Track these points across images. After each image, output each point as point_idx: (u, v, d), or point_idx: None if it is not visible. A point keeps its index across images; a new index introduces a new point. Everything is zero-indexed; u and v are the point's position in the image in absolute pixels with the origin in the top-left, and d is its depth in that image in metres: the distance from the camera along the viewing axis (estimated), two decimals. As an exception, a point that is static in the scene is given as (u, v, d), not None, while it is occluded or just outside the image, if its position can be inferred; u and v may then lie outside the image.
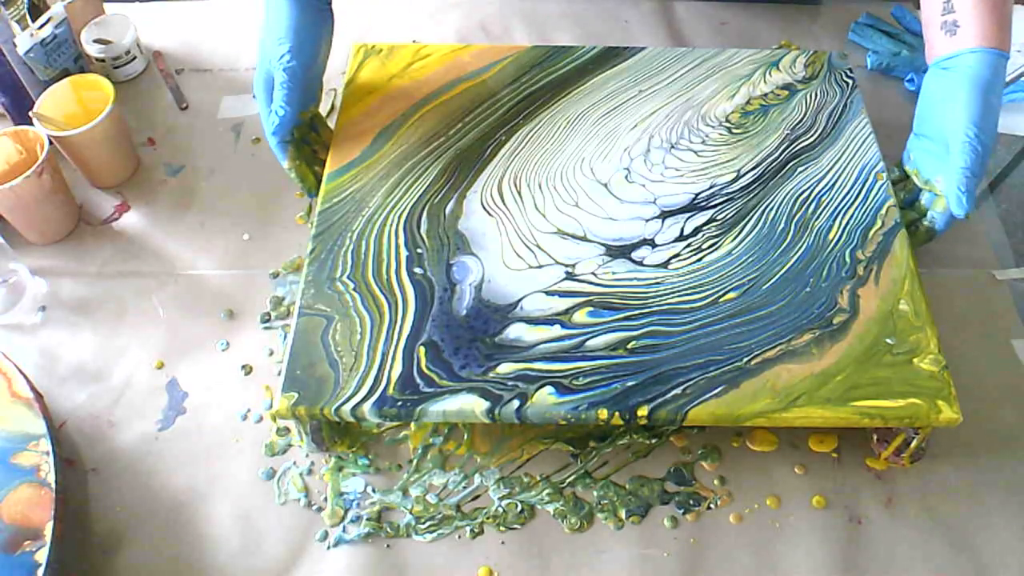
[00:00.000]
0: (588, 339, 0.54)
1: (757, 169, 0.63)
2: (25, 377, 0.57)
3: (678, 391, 0.51)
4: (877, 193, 0.61)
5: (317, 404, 0.51)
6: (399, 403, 0.51)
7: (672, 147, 0.65)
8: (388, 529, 0.54)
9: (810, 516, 0.54)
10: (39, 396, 0.57)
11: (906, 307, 0.55)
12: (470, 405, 0.51)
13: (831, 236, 0.59)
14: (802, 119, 0.66)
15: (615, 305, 0.55)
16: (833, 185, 0.62)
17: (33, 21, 0.73)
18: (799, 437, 0.57)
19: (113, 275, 0.68)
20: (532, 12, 0.86)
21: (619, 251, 0.58)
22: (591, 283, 0.56)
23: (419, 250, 0.58)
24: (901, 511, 0.54)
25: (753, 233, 0.59)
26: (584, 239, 0.59)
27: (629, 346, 0.53)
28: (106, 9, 0.82)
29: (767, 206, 0.61)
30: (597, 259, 0.58)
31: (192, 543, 0.54)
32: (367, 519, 0.54)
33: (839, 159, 0.64)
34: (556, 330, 0.54)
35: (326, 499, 0.55)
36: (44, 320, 0.65)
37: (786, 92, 0.68)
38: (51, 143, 0.67)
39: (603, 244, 0.59)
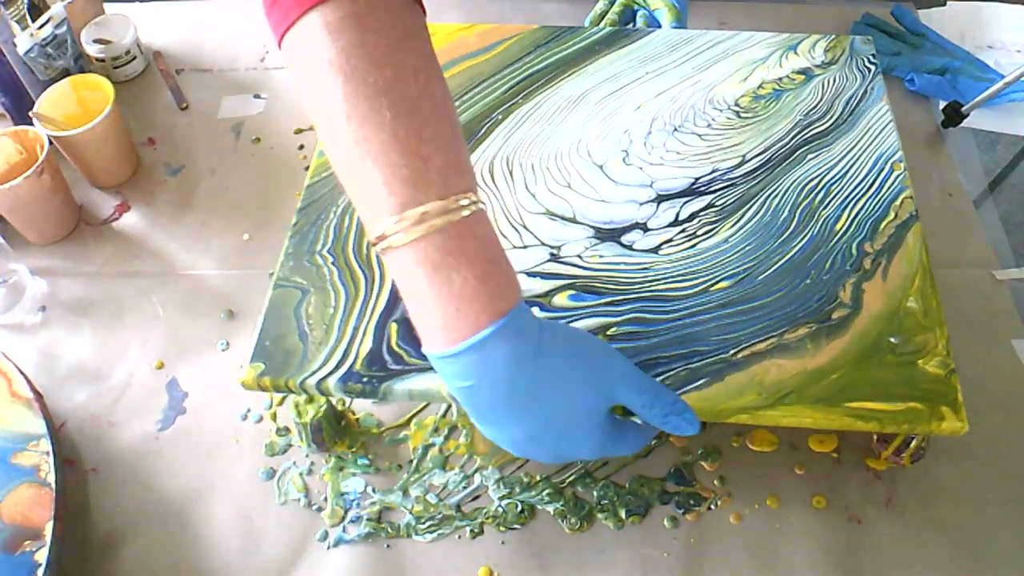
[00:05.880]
0: (568, 323, 0.52)
1: (764, 155, 0.61)
2: (25, 377, 0.57)
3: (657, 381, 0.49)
4: (893, 183, 0.58)
5: (283, 376, 0.50)
6: (365, 379, 0.50)
7: (675, 130, 0.62)
8: (388, 529, 0.54)
9: (810, 516, 0.54)
10: (39, 396, 0.57)
11: (915, 305, 0.52)
12: (437, 385, 0.49)
13: (838, 227, 0.56)
14: (817, 105, 0.64)
15: (599, 289, 0.53)
16: (845, 174, 0.59)
17: (33, 21, 0.73)
18: (799, 437, 0.57)
19: (113, 275, 0.68)
20: (532, 12, 0.86)
21: (608, 234, 0.56)
22: (576, 266, 0.55)
23: None
24: (901, 511, 0.54)
25: (754, 220, 0.57)
26: (573, 221, 0.57)
27: (609, 332, 0.51)
28: (106, 9, 0.82)
29: (771, 193, 0.58)
30: (584, 241, 0.56)
31: (192, 543, 0.54)
32: (367, 519, 0.54)
33: (854, 147, 0.61)
34: (535, 312, 0.52)
35: (326, 499, 0.55)
36: (44, 320, 0.65)
37: (802, 77, 0.66)
38: (51, 143, 0.67)
39: (592, 227, 0.57)
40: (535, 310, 0.52)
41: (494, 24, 0.71)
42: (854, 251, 0.55)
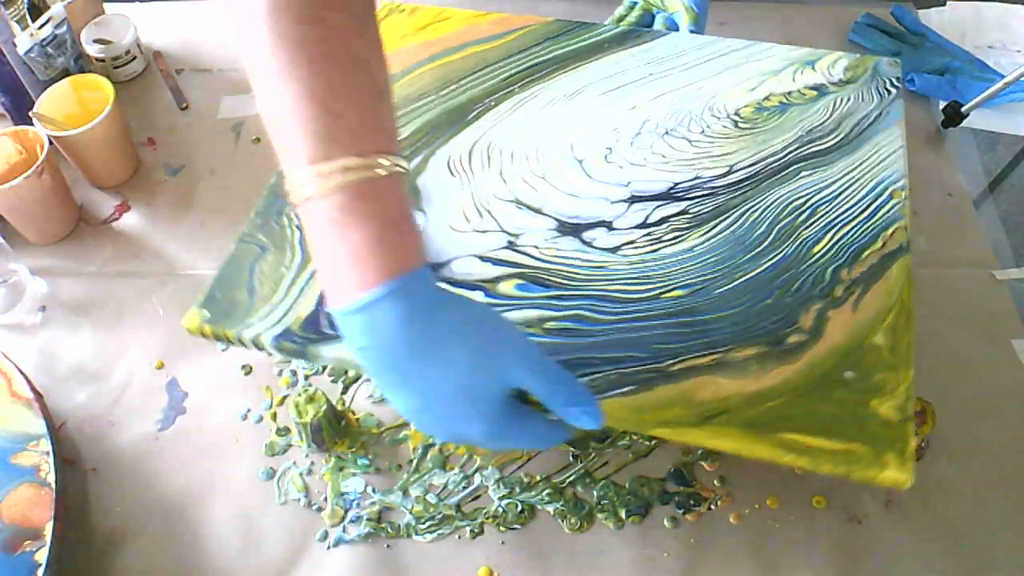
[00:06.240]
0: (505, 311, 0.50)
1: (753, 167, 0.58)
2: (25, 377, 0.57)
3: (583, 381, 0.46)
4: (888, 211, 0.54)
5: (223, 325, 0.50)
6: (298, 340, 0.49)
7: (666, 133, 0.60)
8: (388, 529, 0.54)
9: (810, 516, 0.54)
10: (39, 396, 0.57)
11: (882, 341, 0.48)
12: None
13: (816, 249, 0.53)
14: (823, 122, 0.60)
15: (547, 282, 0.52)
16: (837, 195, 0.56)
17: (33, 21, 0.73)
18: (799, 437, 0.57)
19: (113, 275, 0.68)
20: (532, 12, 0.86)
21: (571, 228, 0.55)
22: (530, 256, 0.53)
23: None
24: (901, 511, 0.54)
25: (726, 232, 0.54)
26: (539, 212, 0.56)
27: (546, 326, 0.50)
28: (106, 9, 0.82)
29: (752, 207, 0.55)
30: (545, 233, 0.54)
31: (192, 543, 0.54)
32: (367, 519, 0.54)
33: (854, 169, 0.57)
34: (476, 296, 0.51)
35: (326, 499, 0.55)
36: (44, 320, 0.65)
37: (814, 92, 0.62)
38: (51, 143, 0.67)
39: (556, 219, 0.55)
40: (478, 294, 0.51)
41: (509, 14, 0.70)
42: (827, 276, 0.51)
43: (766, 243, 0.54)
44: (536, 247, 0.54)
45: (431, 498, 0.55)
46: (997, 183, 0.74)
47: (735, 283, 0.52)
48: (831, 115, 0.61)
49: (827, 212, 0.55)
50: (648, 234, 0.54)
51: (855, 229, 0.54)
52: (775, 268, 0.52)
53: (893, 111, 0.61)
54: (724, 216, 0.55)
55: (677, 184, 0.57)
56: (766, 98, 0.62)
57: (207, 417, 0.59)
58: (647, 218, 0.55)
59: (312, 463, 0.57)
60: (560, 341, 0.49)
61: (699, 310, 0.50)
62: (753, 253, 0.53)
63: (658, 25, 0.73)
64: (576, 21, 0.69)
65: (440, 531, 0.54)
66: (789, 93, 0.63)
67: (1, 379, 0.57)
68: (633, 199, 0.57)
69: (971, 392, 0.59)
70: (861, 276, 0.51)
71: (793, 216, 0.55)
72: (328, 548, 0.54)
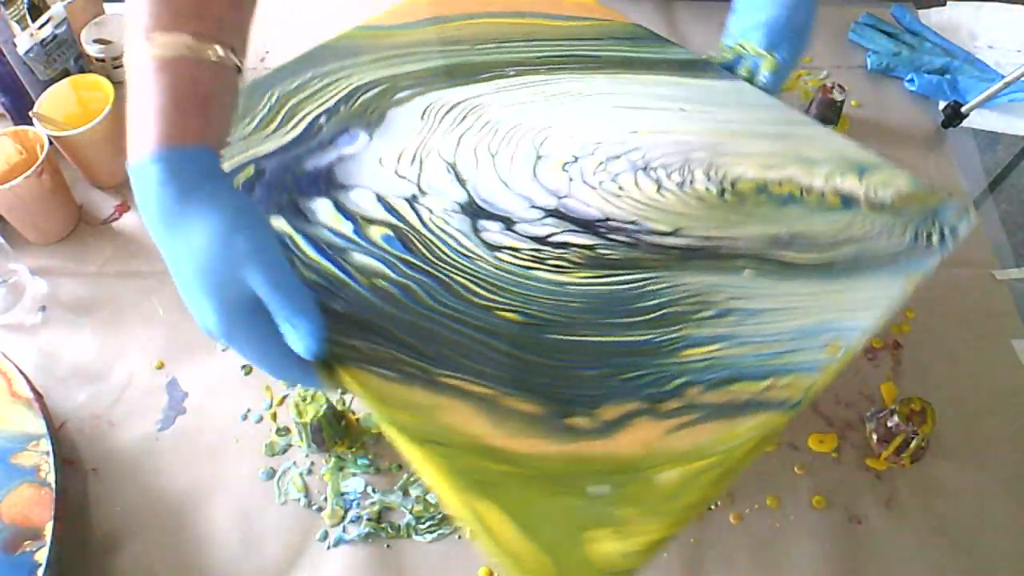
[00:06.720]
0: (357, 254, 0.49)
1: (696, 240, 0.50)
2: (25, 377, 0.57)
3: (358, 343, 0.44)
4: (803, 360, 0.44)
5: None
6: None
7: (643, 168, 0.54)
8: (388, 529, 0.54)
9: (810, 516, 0.54)
10: (39, 396, 0.57)
11: (671, 481, 0.39)
12: None
13: (686, 353, 0.44)
14: (818, 235, 0.50)
15: (411, 246, 0.50)
16: (758, 313, 0.46)
17: (33, 21, 0.73)
18: (799, 437, 0.57)
19: (113, 275, 0.68)
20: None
21: (473, 211, 0.52)
22: (417, 216, 0.51)
23: (343, 107, 0.57)
24: (901, 511, 0.54)
25: (611, 287, 0.48)
26: (461, 183, 0.53)
27: (375, 281, 0.47)
28: (106, 9, 0.82)
29: (658, 277, 0.48)
30: (449, 203, 0.52)
31: (192, 543, 0.54)
32: (367, 519, 0.54)
33: (806, 298, 0.47)
34: (345, 227, 0.50)
35: (326, 499, 0.55)
36: (44, 320, 0.65)
37: (837, 201, 0.51)
38: (51, 143, 0.67)
39: (469, 195, 0.53)
40: (348, 226, 0.50)
41: (594, 2, 0.67)
42: (673, 385, 0.43)
43: (642, 319, 0.46)
44: (431, 211, 0.52)
45: (431, 498, 0.55)
46: (997, 183, 0.74)
47: (574, 338, 0.45)
48: (838, 232, 0.50)
49: (734, 324, 0.46)
50: (536, 251, 0.50)
51: (747, 359, 0.44)
52: (627, 346, 0.45)
53: (920, 263, 0.49)
54: (624, 271, 0.49)
55: (608, 219, 0.51)
56: (778, 183, 0.53)
57: (207, 417, 0.59)
58: (549, 236, 0.50)
59: (312, 463, 0.57)
60: (372, 299, 0.47)
61: (517, 343, 0.45)
62: (622, 321, 0.46)
63: (741, 69, 0.64)
64: (653, 32, 0.65)
65: (440, 531, 0.54)
66: (808, 190, 0.52)
67: (1, 379, 0.57)
68: (554, 213, 0.52)
69: (971, 392, 0.59)
70: (708, 406, 0.42)
71: (692, 308, 0.47)
72: (328, 548, 0.54)
